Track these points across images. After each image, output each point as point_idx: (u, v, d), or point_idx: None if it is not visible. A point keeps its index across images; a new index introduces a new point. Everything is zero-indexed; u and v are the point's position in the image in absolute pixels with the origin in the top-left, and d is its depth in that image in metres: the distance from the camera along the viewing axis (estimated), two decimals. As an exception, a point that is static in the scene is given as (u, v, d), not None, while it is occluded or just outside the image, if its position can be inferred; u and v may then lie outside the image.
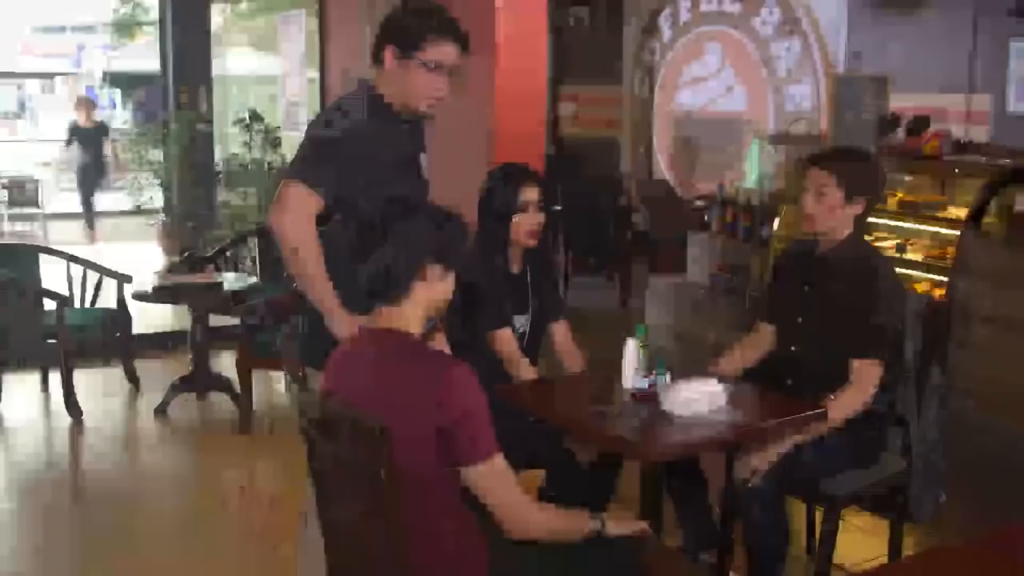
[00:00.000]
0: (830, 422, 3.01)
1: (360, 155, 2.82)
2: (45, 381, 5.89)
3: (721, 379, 2.88)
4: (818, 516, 3.43)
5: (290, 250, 2.81)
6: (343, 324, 2.83)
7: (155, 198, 10.87)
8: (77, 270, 5.90)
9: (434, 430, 2.16)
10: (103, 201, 12.32)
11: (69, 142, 11.90)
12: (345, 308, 2.85)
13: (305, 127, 3.07)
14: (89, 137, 11.79)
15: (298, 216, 2.78)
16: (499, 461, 2.22)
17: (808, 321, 3.25)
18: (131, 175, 11.14)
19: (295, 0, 8.79)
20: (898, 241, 5.67)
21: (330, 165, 2.81)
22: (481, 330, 3.34)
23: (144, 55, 16.10)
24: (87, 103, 12.36)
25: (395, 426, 2.10)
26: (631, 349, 2.97)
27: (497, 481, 2.23)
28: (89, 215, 12.04)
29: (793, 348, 3.30)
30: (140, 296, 5.39)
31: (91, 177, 11.92)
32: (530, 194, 3.35)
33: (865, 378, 3.08)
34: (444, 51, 2.85)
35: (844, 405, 3.05)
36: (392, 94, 2.90)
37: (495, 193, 3.37)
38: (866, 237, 5.50)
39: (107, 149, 11.98)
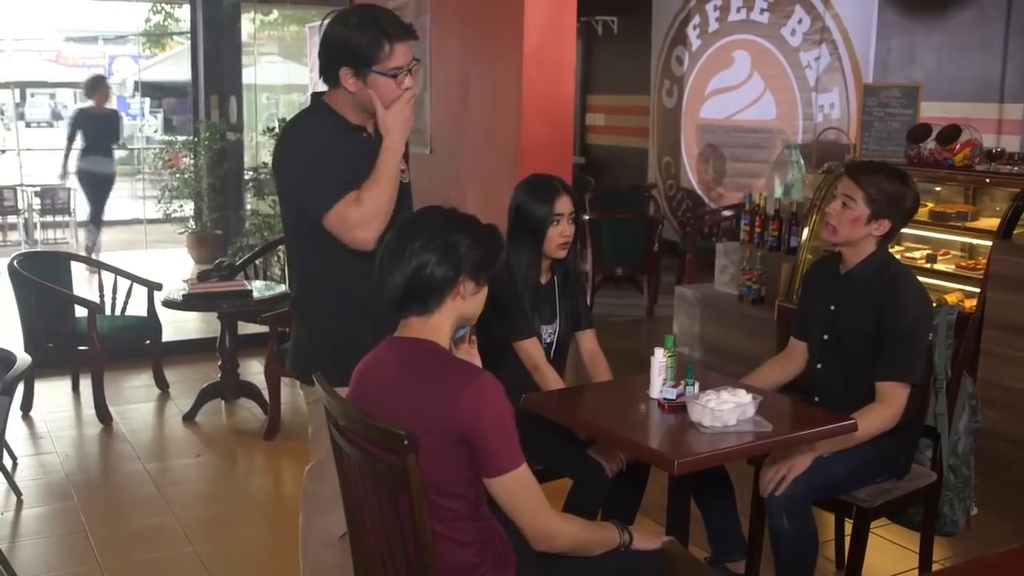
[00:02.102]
0: (856, 439, 2.99)
1: (335, 163, 2.80)
2: (76, 387, 5.95)
3: (749, 389, 2.87)
4: (847, 527, 3.41)
5: (385, 216, 2.76)
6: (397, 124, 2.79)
7: (185, 206, 10.96)
8: (108, 278, 5.96)
9: (459, 439, 2.16)
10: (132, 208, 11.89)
11: (73, 134, 9.63)
12: (360, 313, 2.83)
13: None
14: (101, 128, 9.72)
15: (354, 221, 2.72)
16: (524, 472, 2.22)
17: (834, 339, 3.23)
18: (161, 183, 11.23)
19: (324, 10, 8.86)
20: (928, 251, 5.64)
21: (331, 171, 2.77)
22: (509, 340, 3.34)
23: (175, 65, 16.24)
24: (102, 83, 9.97)
25: (420, 435, 2.10)
26: (659, 359, 2.96)
27: (521, 492, 2.23)
28: (94, 232, 10.08)
29: (819, 366, 3.29)
30: (170, 304, 5.43)
31: (102, 181, 9.92)
32: (563, 206, 3.35)
33: (892, 400, 3.06)
34: (403, 54, 2.79)
35: (871, 423, 3.02)
36: (347, 105, 2.85)
37: (528, 206, 3.36)
38: (896, 247, 5.51)
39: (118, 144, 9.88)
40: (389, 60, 2.77)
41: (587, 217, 8.02)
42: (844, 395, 3.17)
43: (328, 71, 2.82)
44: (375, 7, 2.87)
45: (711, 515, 3.42)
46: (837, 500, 3.17)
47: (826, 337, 3.26)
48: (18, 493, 4.47)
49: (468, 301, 2.31)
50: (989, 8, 7.50)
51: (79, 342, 5.51)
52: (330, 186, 2.77)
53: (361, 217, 2.72)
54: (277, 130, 9.03)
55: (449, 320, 2.31)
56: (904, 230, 5.63)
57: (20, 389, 5.48)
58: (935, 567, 3.45)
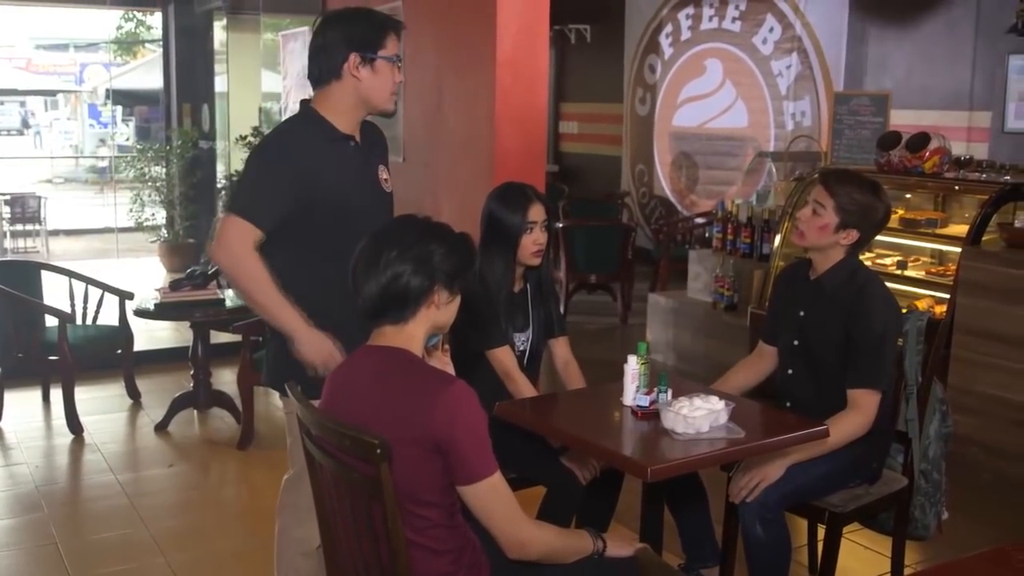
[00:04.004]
0: (828, 446, 3.01)
1: (302, 179, 2.81)
2: (46, 397, 5.89)
3: (722, 396, 2.88)
4: (820, 532, 3.43)
5: (233, 282, 2.88)
6: (310, 345, 2.83)
7: (157, 215, 10.90)
8: (79, 287, 5.91)
9: (433, 448, 2.16)
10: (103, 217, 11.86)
11: None
12: (333, 328, 2.85)
13: None
14: None
15: (237, 249, 2.79)
16: (497, 480, 2.22)
17: (804, 345, 3.25)
18: (133, 192, 11.16)
19: (298, 18, 8.84)
20: (899, 258, 5.69)
21: (269, 195, 2.81)
22: (482, 349, 3.34)
23: (147, 73, 16.17)
24: None
25: (394, 443, 2.10)
26: (632, 366, 2.97)
27: (495, 500, 2.23)
28: None
29: (790, 371, 3.31)
30: (142, 313, 5.40)
31: None
32: (536, 214, 3.36)
33: (864, 407, 3.07)
34: (397, 43, 2.93)
35: (843, 430, 3.04)
36: (339, 109, 2.91)
37: (501, 214, 3.37)
38: (867, 254, 5.55)
39: None
40: (392, 47, 2.88)
41: (560, 225, 8.04)
42: (816, 400, 3.19)
43: (331, 66, 2.87)
44: (361, 6, 2.96)
45: (684, 521, 3.43)
46: (810, 505, 3.18)
47: (796, 343, 3.28)
48: (-13, 505, 4.43)
49: (442, 310, 2.31)
50: (958, 17, 7.59)
51: (49, 352, 5.46)
52: (260, 201, 2.82)
53: (233, 253, 2.80)
54: (250, 138, 9.01)
55: (423, 329, 2.31)
56: (875, 237, 5.70)
57: (-11, 400, 5.45)
58: (907, 571, 3.47)
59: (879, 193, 3.17)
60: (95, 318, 5.94)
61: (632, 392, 2.95)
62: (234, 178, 9.65)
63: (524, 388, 3.33)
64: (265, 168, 2.87)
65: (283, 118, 8.92)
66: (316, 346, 2.83)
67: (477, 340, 3.33)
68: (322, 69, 2.89)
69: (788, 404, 3.28)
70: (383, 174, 3.05)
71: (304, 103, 2.98)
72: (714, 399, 2.80)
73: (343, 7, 2.97)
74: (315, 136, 2.87)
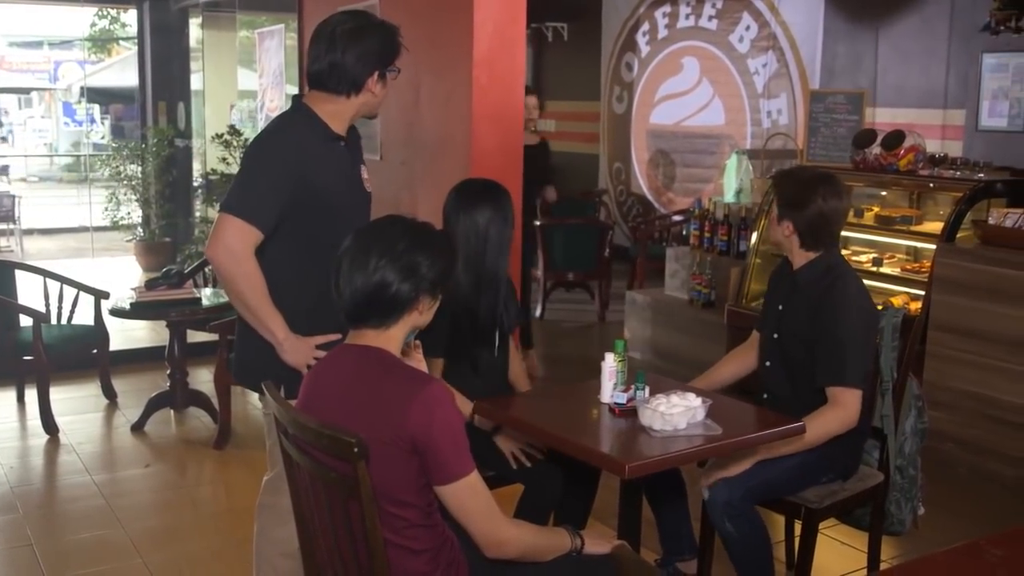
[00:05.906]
0: (808, 442, 3.02)
1: (300, 178, 2.79)
2: (21, 398, 5.85)
3: (699, 393, 2.89)
4: (797, 528, 3.45)
5: (228, 283, 2.81)
6: (294, 352, 2.82)
7: (133, 213, 10.83)
8: (54, 286, 5.86)
9: (410, 447, 2.16)
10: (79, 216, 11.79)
11: None
12: (311, 328, 2.84)
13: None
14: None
15: (238, 251, 2.75)
16: (475, 479, 2.22)
17: (782, 339, 3.27)
18: (108, 191, 11.09)
19: (274, 16, 8.81)
20: (874, 255, 5.72)
21: (271, 195, 2.78)
22: (473, 348, 3.33)
23: (122, 70, 16.05)
24: None
25: (371, 442, 2.10)
26: (609, 364, 2.97)
27: (472, 499, 2.23)
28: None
29: (768, 363, 3.32)
30: (117, 312, 5.36)
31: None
32: None
33: (845, 404, 3.08)
34: None
35: (823, 426, 3.05)
36: (334, 113, 2.89)
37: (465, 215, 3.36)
38: (843, 251, 5.58)
39: None
40: (398, 59, 2.90)
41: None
42: (791, 394, 3.21)
43: (355, 81, 2.84)
44: (360, 11, 2.95)
45: (664, 516, 3.44)
46: (786, 501, 3.20)
47: (775, 335, 3.31)
48: (-39, 506, 4.39)
49: (424, 315, 2.33)
50: (932, 16, 7.63)
51: (24, 352, 5.41)
52: (259, 202, 2.77)
53: (233, 255, 2.75)
54: (227, 136, 8.97)
55: (403, 331, 2.32)
56: (851, 234, 5.74)
57: (-37, 400, 5.41)
58: (883, 566, 3.49)
59: (816, 187, 3.15)
60: (70, 318, 5.90)
61: (610, 389, 2.96)
62: (211, 176, 9.62)
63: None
64: (263, 168, 2.82)
65: (259, 116, 8.91)
66: (300, 352, 2.82)
67: (471, 341, 3.31)
68: (341, 81, 2.84)
69: (765, 396, 3.30)
70: (364, 174, 3.06)
71: (297, 99, 2.95)
72: (691, 396, 2.81)
73: (352, 13, 2.92)
74: (311, 135, 2.85)
